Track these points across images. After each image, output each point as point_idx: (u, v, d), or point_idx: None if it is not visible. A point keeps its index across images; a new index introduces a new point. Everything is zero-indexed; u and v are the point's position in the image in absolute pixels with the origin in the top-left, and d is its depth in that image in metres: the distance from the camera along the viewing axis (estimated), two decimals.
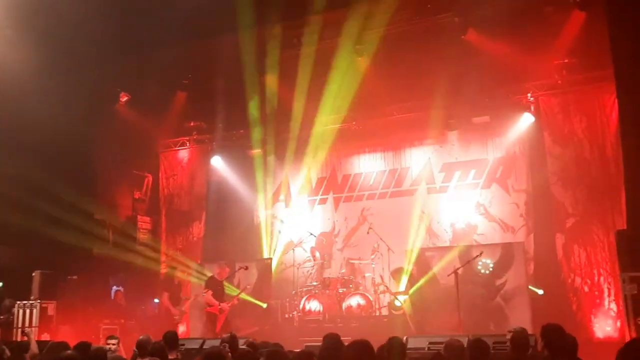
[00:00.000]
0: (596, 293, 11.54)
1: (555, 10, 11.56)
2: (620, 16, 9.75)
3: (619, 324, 11.02)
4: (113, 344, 8.15)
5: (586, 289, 11.62)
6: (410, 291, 11.97)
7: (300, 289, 13.12)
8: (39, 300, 12.24)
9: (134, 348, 7.13)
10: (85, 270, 13.68)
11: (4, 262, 13.15)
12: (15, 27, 12.19)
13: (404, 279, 12.11)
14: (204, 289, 12.09)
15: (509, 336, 6.58)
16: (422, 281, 11.82)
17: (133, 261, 15.23)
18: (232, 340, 6.80)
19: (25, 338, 8.63)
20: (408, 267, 12.13)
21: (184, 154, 16.05)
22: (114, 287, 14.64)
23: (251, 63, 13.36)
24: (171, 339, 6.91)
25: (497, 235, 12.96)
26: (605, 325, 11.30)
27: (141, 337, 7.13)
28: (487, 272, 11.35)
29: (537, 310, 11.01)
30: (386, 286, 12.55)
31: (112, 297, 14.38)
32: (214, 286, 11.83)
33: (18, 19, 11.99)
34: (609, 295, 11.41)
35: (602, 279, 11.53)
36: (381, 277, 12.87)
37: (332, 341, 5.44)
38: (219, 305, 11.64)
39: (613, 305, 11.30)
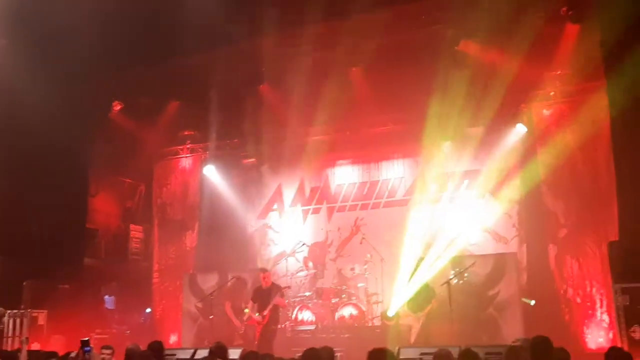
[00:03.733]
0: (588, 304, 11.54)
1: (546, 22, 11.60)
2: (612, 29, 9.81)
3: (611, 335, 11.00)
4: (107, 354, 8.09)
5: (578, 300, 11.63)
6: (404, 302, 11.99)
7: (293, 299, 13.07)
8: (29, 310, 12.14)
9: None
10: (76, 280, 13.59)
11: None
12: (12, 37, 12.20)
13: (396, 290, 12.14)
14: (250, 301, 11.09)
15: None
16: (415, 291, 11.81)
17: (125, 270, 15.18)
18: (221, 351, 6.75)
19: (21, 346, 8.57)
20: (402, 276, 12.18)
21: (177, 163, 16.00)
22: (106, 296, 14.58)
23: (245, 73, 13.37)
24: (156, 350, 6.85)
25: (490, 246, 12.97)
26: (598, 336, 11.29)
27: (130, 345, 7.09)
28: (461, 282, 11.24)
29: (530, 321, 11.00)
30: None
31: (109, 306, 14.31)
32: (260, 297, 10.87)
33: (14, 30, 11.99)
34: (601, 307, 11.41)
35: (594, 290, 11.53)
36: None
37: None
38: (255, 317, 10.71)
39: (605, 317, 11.30)
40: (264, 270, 11.35)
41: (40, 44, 12.15)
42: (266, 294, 10.87)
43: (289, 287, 12.19)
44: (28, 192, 13.06)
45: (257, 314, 10.76)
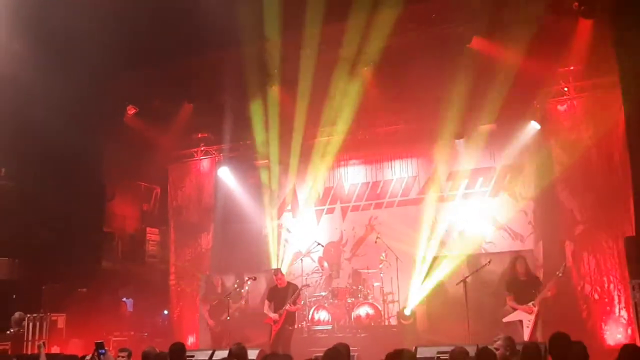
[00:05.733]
0: (606, 300, 11.47)
1: (558, 18, 11.54)
2: (625, 23, 9.76)
3: (629, 331, 10.94)
4: (123, 357, 8.15)
5: (596, 296, 11.56)
6: (420, 300, 12.01)
7: (308, 299, 13.11)
8: (49, 313, 12.26)
9: None
10: (94, 283, 13.72)
11: (14, 275, 13.22)
12: (24, 41, 12.31)
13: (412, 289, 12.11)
14: (265, 300, 11.35)
15: (495, 344, 6.60)
16: (430, 290, 11.82)
17: (142, 273, 15.27)
18: (241, 352, 6.79)
19: (38, 351, 8.66)
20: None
21: (192, 165, 16.10)
22: (123, 299, 14.70)
23: (256, 74, 13.40)
24: (177, 352, 6.87)
25: (506, 243, 12.93)
26: (616, 332, 11.22)
27: (147, 348, 7.14)
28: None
29: (547, 317, 10.92)
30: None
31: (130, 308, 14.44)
32: (277, 296, 11.04)
33: (26, 34, 12.10)
34: (619, 303, 11.34)
35: (612, 286, 11.46)
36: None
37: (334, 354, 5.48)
38: (272, 315, 10.88)
39: (624, 313, 11.23)
40: (276, 273, 11.50)
41: (53, 49, 12.25)
42: (282, 293, 10.99)
43: (308, 285, 12.22)
44: (44, 197, 13.19)
45: (273, 313, 10.89)
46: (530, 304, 9.71)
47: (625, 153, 11.00)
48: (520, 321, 9.78)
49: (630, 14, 9.63)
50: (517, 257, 10.40)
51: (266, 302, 11.21)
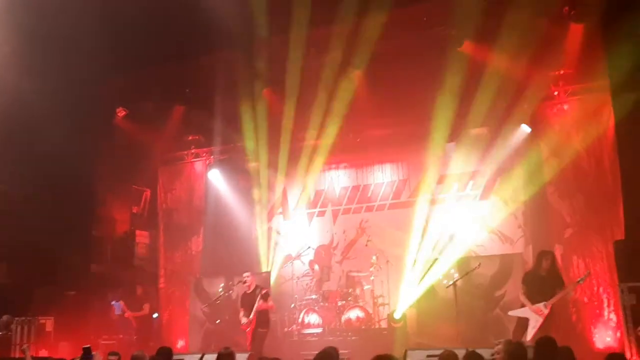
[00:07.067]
0: (596, 304, 11.49)
1: (548, 22, 11.59)
2: (615, 28, 9.81)
3: (618, 334, 10.97)
4: None
5: (585, 299, 11.58)
6: (410, 303, 12.01)
7: (299, 302, 13.08)
8: (36, 316, 12.18)
9: None
10: (83, 286, 13.64)
11: (1, 278, 13.13)
12: (14, 44, 12.25)
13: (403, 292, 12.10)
14: (240, 308, 11.36)
15: (495, 349, 6.59)
16: (420, 293, 11.82)
17: (131, 276, 15.19)
18: (229, 356, 6.77)
19: (23, 354, 8.61)
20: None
21: (182, 168, 16.04)
22: (113, 302, 14.60)
23: (247, 77, 13.40)
24: (164, 355, 6.88)
25: (496, 247, 12.94)
26: (606, 335, 11.24)
27: (135, 352, 7.12)
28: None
29: None
30: None
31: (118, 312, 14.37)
32: (247, 302, 11.15)
33: (16, 37, 12.05)
34: (608, 306, 11.36)
35: (601, 289, 11.48)
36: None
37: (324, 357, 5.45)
38: (243, 320, 11.00)
39: (613, 316, 11.25)
40: (245, 280, 11.46)
41: (43, 52, 12.20)
42: (251, 297, 11.08)
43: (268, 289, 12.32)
44: (33, 200, 13.12)
45: (245, 318, 10.96)
46: (542, 304, 9.26)
47: (615, 157, 11.05)
48: (527, 320, 9.37)
49: (620, 19, 9.67)
50: (545, 252, 9.86)
51: (240, 309, 11.26)
